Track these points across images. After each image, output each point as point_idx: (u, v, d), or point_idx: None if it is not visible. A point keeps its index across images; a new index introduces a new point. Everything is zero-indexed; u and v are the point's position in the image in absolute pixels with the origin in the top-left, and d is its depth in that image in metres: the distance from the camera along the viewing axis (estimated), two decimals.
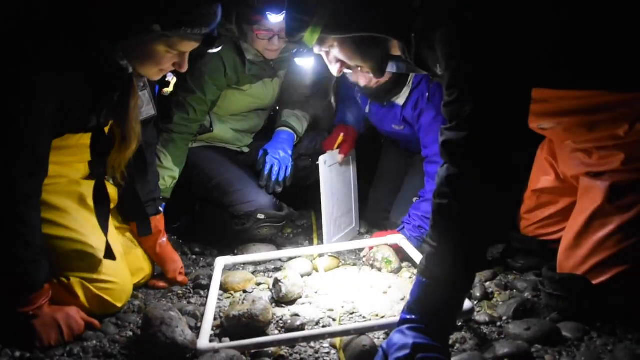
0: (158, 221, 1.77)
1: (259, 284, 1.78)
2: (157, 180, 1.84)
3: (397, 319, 1.23)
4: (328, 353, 1.33)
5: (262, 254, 1.96)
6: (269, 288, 1.70)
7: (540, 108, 1.16)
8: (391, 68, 1.47)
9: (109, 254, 1.48)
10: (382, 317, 1.51)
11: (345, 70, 1.46)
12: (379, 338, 1.38)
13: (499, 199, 1.17)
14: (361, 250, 2.01)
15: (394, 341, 1.13)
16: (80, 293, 1.45)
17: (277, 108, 2.48)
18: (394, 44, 1.35)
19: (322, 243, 2.11)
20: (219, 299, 1.64)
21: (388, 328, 1.36)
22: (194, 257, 2.11)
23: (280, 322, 1.49)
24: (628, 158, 1.38)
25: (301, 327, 1.44)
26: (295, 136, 2.34)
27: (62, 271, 1.46)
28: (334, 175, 2.16)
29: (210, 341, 1.34)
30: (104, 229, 1.51)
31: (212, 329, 1.42)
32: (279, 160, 2.21)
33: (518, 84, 1.13)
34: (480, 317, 1.44)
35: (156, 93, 1.69)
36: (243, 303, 1.46)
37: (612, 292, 1.36)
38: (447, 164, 1.17)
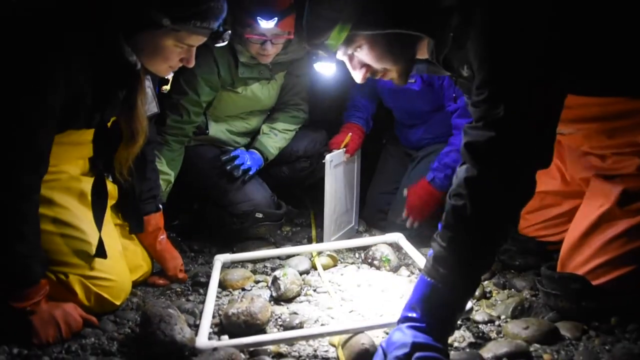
0: (158, 218, 1.77)
1: (257, 282, 1.78)
2: (157, 177, 1.83)
3: (396, 317, 1.23)
4: (327, 351, 1.33)
5: (261, 251, 1.96)
6: (267, 286, 1.70)
7: (563, 114, 1.15)
8: (420, 69, 1.41)
9: (100, 251, 1.47)
10: (381, 315, 1.51)
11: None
12: (377, 336, 1.38)
13: (515, 205, 1.16)
14: (360, 248, 2.01)
15: (393, 339, 1.13)
16: (78, 290, 1.45)
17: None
18: (422, 45, 1.29)
19: (321, 241, 2.11)
20: (217, 296, 1.64)
21: (387, 326, 1.36)
22: (193, 254, 2.11)
23: (279, 320, 1.49)
24: None
25: (300, 325, 1.44)
26: (263, 160, 2.27)
27: (60, 268, 1.45)
28: (338, 175, 2.16)
29: (209, 339, 1.34)
30: (99, 225, 1.50)
31: (211, 327, 1.42)
32: (251, 158, 2.21)
33: (554, 89, 1.11)
34: (478, 316, 1.44)
35: (157, 91, 1.69)
36: (242, 301, 1.46)
37: (612, 292, 1.36)
38: (468, 164, 1.15)
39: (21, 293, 1.31)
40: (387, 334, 1.35)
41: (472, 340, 1.34)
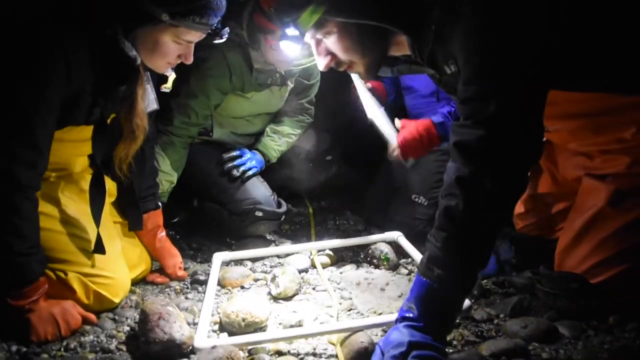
0: (157, 216, 1.77)
1: (256, 280, 1.78)
2: (156, 175, 1.83)
3: (394, 316, 1.23)
4: (326, 350, 1.33)
5: (260, 250, 1.96)
6: (266, 284, 1.70)
7: (548, 110, 1.15)
8: (383, 72, 1.38)
9: (99, 247, 1.47)
10: (380, 314, 1.51)
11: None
12: (376, 335, 1.38)
13: (508, 202, 1.16)
14: (359, 247, 2.01)
15: (390, 339, 1.13)
16: (77, 288, 1.45)
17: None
18: (397, 42, 1.27)
19: (319, 239, 2.11)
20: (216, 294, 1.64)
21: (386, 325, 1.36)
22: (192, 252, 2.11)
23: (278, 318, 1.49)
24: (633, 161, 1.37)
25: (299, 324, 1.44)
26: (264, 162, 2.28)
27: (59, 266, 1.45)
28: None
29: (208, 337, 1.34)
30: (97, 221, 1.50)
31: (210, 325, 1.42)
32: (253, 159, 2.21)
33: (541, 84, 1.11)
34: (477, 314, 1.44)
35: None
36: (241, 299, 1.46)
37: (610, 291, 1.37)
38: (458, 163, 1.14)
39: (20, 291, 1.32)
40: (386, 332, 1.35)
41: (471, 338, 1.34)
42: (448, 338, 1.30)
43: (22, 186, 1.29)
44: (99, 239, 1.47)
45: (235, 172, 2.16)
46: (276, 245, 2.14)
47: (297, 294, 1.65)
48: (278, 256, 1.98)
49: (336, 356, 1.29)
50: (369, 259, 1.88)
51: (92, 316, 1.44)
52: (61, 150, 1.44)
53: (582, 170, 1.50)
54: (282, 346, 1.34)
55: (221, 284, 1.73)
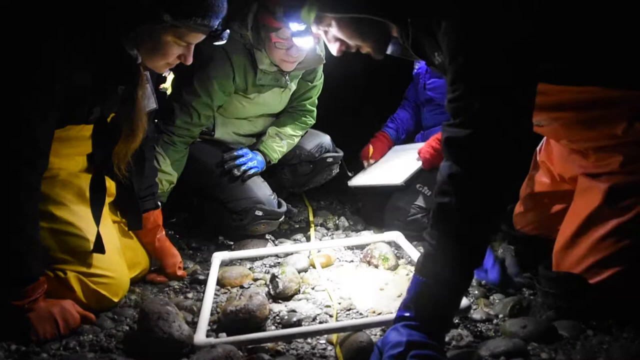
0: (157, 215, 1.77)
1: (256, 280, 1.78)
2: (155, 174, 1.83)
3: (393, 315, 1.23)
4: (325, 349, 1.33)
5: (260, 249, 1.97)
6: (265, 284, 1.70)
7: (539, 100, 1.15)
8: (391, 50, 1.43)
9: (99, 247, 1.47)
10: (379, 313, 1.51)
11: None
12: (375, 335, 1.38)
13: (499, 199, 1.16)
14: (358, 247, 2.01)
15: (389, 339, 1.13)
16: (76, 287, 1.45)
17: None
18: (394, 27, 1.33)
19: (318, 239, 2.11)
20: (215, 294, 1.64)
21: (385, 325, 1.36)
22: (191, 252, 2.11)
23: (277, 317, 1.49)
24: (626, 160, 1.37)
25: (298, 323, 1.44)
26: (265, 163, 2.29)
27: (58, 265, 1.45)
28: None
29: (207, 336, 1.34)
30: (97, 220, 1.50)
31: (209, 324, 1.42)
32: (255, 159, 2.21)
33: (527, 82, 1.11)
34: (476, 314, 1.44)
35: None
36: (240, 298, 1.47)
37: (609, 291, 1.37)
38: (450, 161, 1.15)
39: (19, 290, 1.31)
40: (385, 331, 1.35)
41: (470, 338, 1.34)
42: (447, 338, 1.30)
43: (24, 186, 1.29)
44: (98, 239, 1.47)
45: (236, 172, 2.16)
46: (275, 245, 2.14)
47: (296, 293, 1.65)
48: (277, 256, 1.98)
49: (335, 356, 1.29)
50: (368, 259, 1.88)
51: (92, 315, 1.44)
52: (61, 150, 1.44)
53: (578, 169, 1.50)
54: (281, 345, 1.34)
55: (220, 284, 1.73)
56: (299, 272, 1.77)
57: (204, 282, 1.72)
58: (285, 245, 2.06)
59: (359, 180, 2.37)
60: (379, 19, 1.27)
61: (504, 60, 1.08)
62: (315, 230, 2.27)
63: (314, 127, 2.49)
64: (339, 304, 1.57)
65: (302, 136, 2.41)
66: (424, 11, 1.17)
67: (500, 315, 1.45)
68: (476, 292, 1.59)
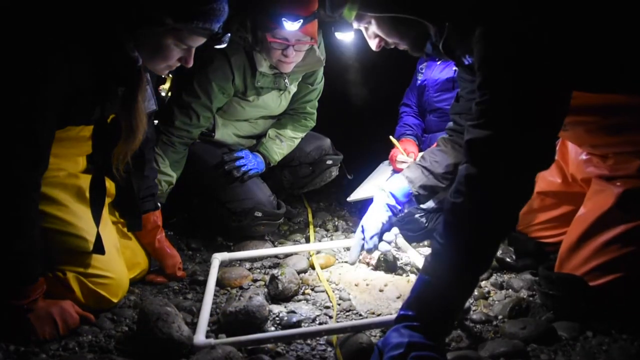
0: (156, 216, 1.77)
1: (255, 281, 1.78)
2: (155, 175, 1.83)
3: (393, 316, 1.23)
4: (324, 350, 1.33)
5: (259, 250, 1.97)
6: (265, 285, 1.70)
7: None
8: (428, 49, 1.46)
9: (98, 247, 1.47)
10: (379, 314, 1.51)
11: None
12: (375, 336, 1.38)
13: (513, 205, 1.16)
14: None
15: (389, 340, 1.13)
16: (76, 288, 1.45)
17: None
18: (431, 27, 1.35)
19: (318, 240, 2.11)
20: (215, 295, 1.64)
21: (384, 326, 1.36)
22: (191, 253, 2.11)
23: (277, 318, 1.49)
24: None
25: (297, 324, 1.44)
26: (265, 165, 2.29)
27: (58, 265, 1.45)
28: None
29: (207, 337, 1.34)
30: (97, 221, 1.50)
31: (209, 325, 1.42)
32: (254, 161, 2.21)
33: (554, 91, 1.12)
34: (476, 316, 1.44)
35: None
36: (239, 299, 1.46)
37: (609, 294, 1.36)
38: (468, 162, 1.16)
39: (19, 291, 1.31)
40: (384, 332, 1.35)
41: (470, 340, 1.34)
42: (447, 339, 1.30)
43: (24, 186, 1.28)
44: (98, 239, 1.47)
45: (236, 173, 2.16)
46: (275, 245, 2.14)
47: (296, 294, 1.65)
48: (277, 257, 1.98)
49: (335, 357, 1.29)
50: (367, 260, 1.87)
51: (91, 316, 1.44)
52: (60, 150, 1.44)
53: (593, 172, 1.50)
54: (281, 346, 1.34)
55: (220, 284, 1.73)
56: (299, 273, 1.77)
57: (203, 283, 1.72)
58: (285, 246, 2.06)
59: (357, 194, 2.35)
60: (417, 18, 1.30)
61: (533, 71, 1.09)
62: (314, 231, 2.27)
63: (314, 129, 2.49)
64: (339, 305, 1.57)
65: (302, 138, 2.41)
66: (463, 16, 1.20)
67: (500, 317, 1.45)
68: (475, 292, 1.59)
